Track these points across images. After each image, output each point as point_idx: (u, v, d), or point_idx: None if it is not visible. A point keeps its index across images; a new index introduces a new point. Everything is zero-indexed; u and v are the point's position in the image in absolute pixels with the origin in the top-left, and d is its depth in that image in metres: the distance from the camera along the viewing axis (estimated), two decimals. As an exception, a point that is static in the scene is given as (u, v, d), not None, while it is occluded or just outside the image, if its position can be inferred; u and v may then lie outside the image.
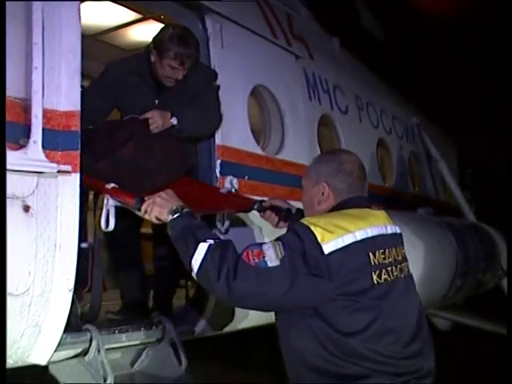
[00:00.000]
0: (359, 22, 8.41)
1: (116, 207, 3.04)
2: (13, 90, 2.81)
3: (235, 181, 4.06)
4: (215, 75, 4.10)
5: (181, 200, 2.72)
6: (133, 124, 3.63)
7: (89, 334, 3.28)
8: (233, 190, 4.02)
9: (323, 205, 2.70)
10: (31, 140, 2.76)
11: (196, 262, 2.39)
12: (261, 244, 2.43)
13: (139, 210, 2.81)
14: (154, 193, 2.81)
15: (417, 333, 2.54)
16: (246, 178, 4.30)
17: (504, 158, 9.24)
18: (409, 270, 2.70)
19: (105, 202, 3.05)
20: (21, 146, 2.76)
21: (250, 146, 4.40)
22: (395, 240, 2.67)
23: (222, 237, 2.76)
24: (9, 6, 2.86)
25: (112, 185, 3.06)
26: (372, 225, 2.53)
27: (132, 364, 3.61)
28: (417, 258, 4.76)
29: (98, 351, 3.27)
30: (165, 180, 3.43)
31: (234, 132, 4.26)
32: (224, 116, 4.05)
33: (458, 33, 10.23)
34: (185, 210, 2.64)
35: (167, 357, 3.62)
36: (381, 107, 7.07)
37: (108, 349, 3.34)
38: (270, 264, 2.33)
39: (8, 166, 2.68)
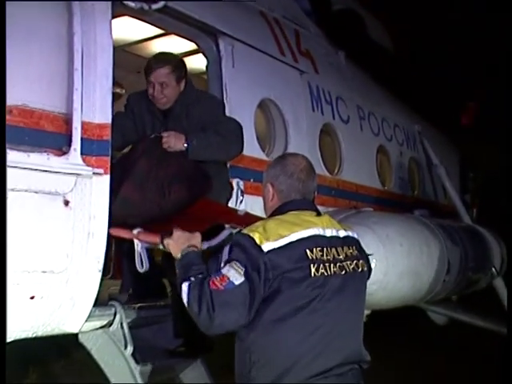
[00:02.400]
0: (366, 33, 8.84)
1: (146, 248, 3.46)
2: (56, 106, 3.41)
3: (241, 183, 4.57)
4: (222, 106, 4.43)
5: (191, 236, 3.01)
6: (143, 143, 4.03)
7: (113, 309, 3.87)
8: (239, 191, 4.55)
9: (270, 203, 3.02)
10: (72, 148, 3.37)
11: (183, 300, 2.70)
12: (219, 270, 2.69)
13: (164, 246, 3.16)
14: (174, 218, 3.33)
15: (345, 333, 2.78)
16: (252, 180, 4.77)
17: (504, 162, 9.57)
18: (359, 267, 2.91)
19: (135, 246, 3.46)
20: (63, 152, 3.36)
21: (256, 152, 4.90)
22: (336, 241, 2.86)
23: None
24: (53, 36, 3.47)
25: (138, 229, 3.45)
26: (307, 227, 2.78)
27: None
28: (403, 255, 5.26)
29: (121, 324, 3.88)
30: (184, 192, 3.81)
31: (241, 140, 4.77)
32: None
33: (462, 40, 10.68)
34: (188, 250, 2.92)
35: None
36: (382, 116, 7.52)
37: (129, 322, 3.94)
38: (236, 282, 2.60)
39: (52, 169, 3.28)
